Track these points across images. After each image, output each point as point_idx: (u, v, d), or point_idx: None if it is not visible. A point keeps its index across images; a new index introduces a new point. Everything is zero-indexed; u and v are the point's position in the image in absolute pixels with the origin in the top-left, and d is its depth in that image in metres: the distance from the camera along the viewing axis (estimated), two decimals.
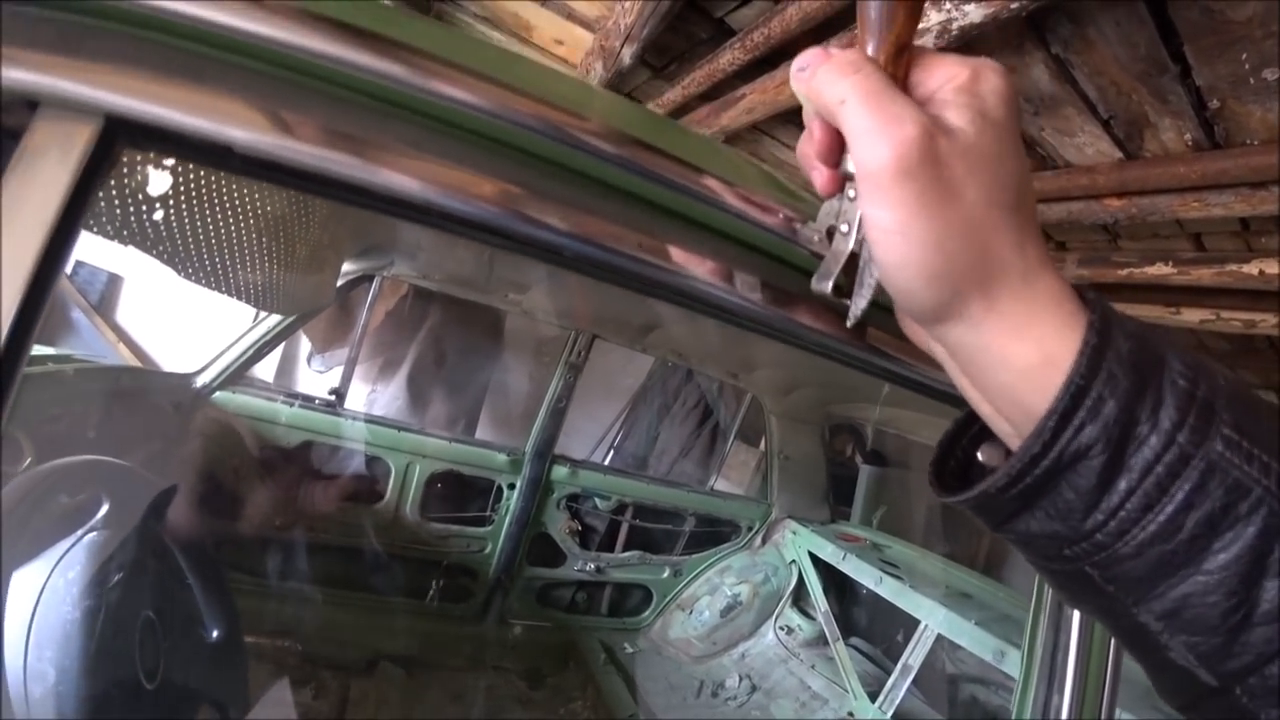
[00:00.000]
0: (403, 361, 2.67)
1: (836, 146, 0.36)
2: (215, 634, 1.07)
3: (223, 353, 1.89)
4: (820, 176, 0.37)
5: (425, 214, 0.36)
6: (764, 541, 2.61)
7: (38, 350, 1.58)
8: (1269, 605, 0.30)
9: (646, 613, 2.51)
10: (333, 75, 0.33)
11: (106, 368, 1.77)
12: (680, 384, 3.42)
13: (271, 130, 0.32)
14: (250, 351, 1.88)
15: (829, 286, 0.38)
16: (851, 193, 0.36)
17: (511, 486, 2.23)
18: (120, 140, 0.32)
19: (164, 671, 0.87)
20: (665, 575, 2.51)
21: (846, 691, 2.16)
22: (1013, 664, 1.88)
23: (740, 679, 2.32)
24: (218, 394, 1.88)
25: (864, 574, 2.30)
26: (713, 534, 2.59)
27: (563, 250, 0.39)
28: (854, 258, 0.37)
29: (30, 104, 0.30)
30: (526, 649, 2.27)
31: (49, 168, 0.30)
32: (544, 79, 0.38)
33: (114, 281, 3.46)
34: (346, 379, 2.07)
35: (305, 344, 2.72)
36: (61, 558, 0.86)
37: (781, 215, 0.42)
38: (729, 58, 1.93)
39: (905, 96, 0.33)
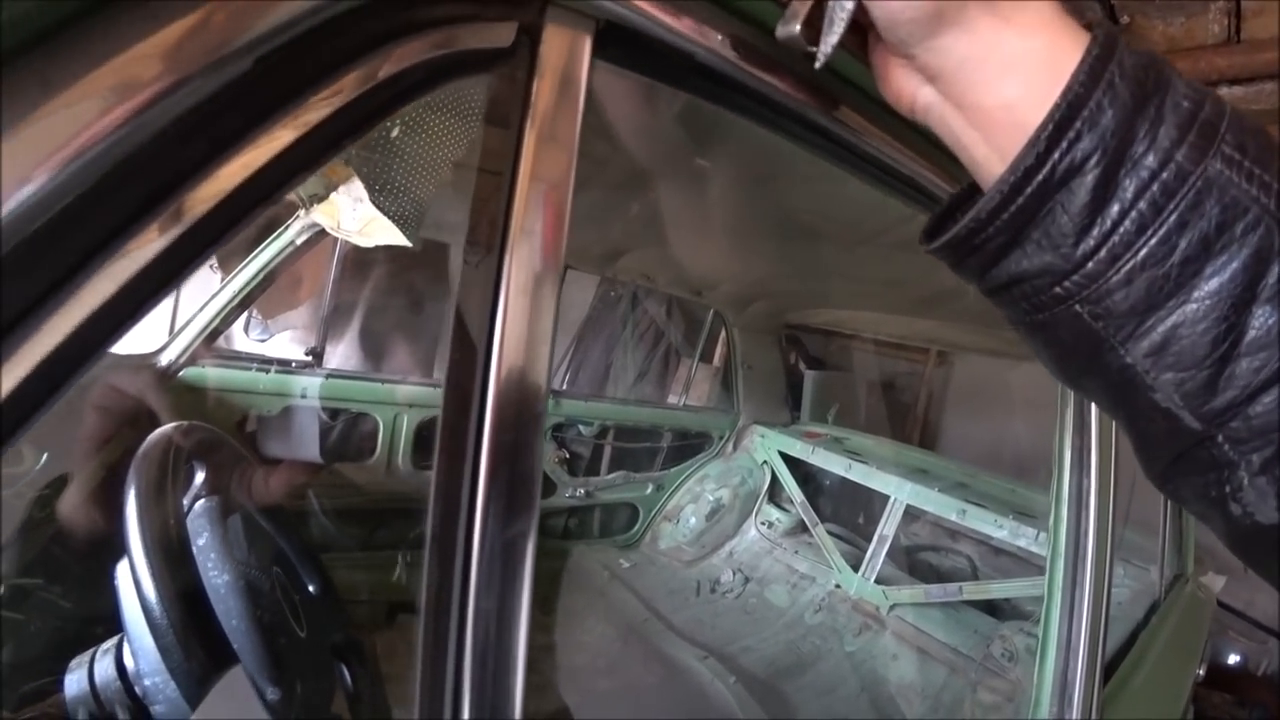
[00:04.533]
0: (353, 312, 2.58)
1: None
2: (312, 589, 1.07)
3: (184, 327, 1.77)
4: None
5: None
6: (735, 447, 2.78)
7: None
8: (1257, 333, 0.29)
9: (635, 529, 2.63)
10: None
11: None
12: (626, 312, 3.49)
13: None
14: (214, 323, 1.77)
15: (796, 27, 0.35)
16: None
17: None
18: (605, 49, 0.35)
19: (308, 621, 0.89)
20: (649, 491, 2.63)
21: (831, 568, 2.39)
22: (974, 519, 2.16)
23: (733, 573, 2.50)
24: (187, 371, 1.77)
25: (833, 463, 2.51)
26: (688, 447, 2.72)
27: None
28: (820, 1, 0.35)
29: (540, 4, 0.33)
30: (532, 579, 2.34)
31: (567, 71, 0.34)
32: None
33: None
34: (322, 337, 1.99)
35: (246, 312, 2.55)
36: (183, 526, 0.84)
37: None
38: None
39: None
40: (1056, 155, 0.30)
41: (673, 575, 2.51)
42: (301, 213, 1.76)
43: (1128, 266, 0.30)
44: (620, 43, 0.37)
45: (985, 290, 0.36)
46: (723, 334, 3.02)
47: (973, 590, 2.08)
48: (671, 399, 3.25)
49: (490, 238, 0.34)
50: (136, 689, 0.68)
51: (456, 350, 0.35)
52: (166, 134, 0.22)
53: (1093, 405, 0.98)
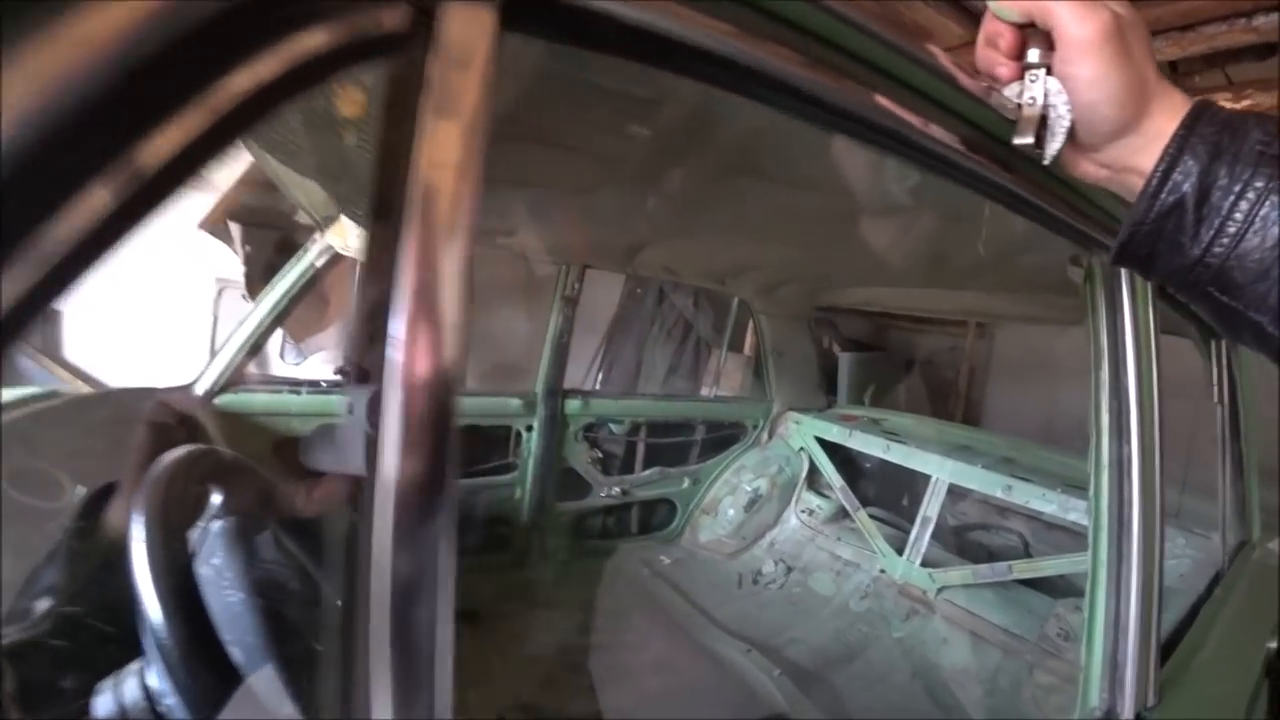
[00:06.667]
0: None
1: (1021, 46, 0.51)
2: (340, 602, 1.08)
3: (216, 356, 1.81)
4: (1006, 70, 0.52)
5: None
6: (770, 436, 2.74)
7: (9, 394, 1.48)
8: None
9: (674, 524, 2.62)
10: None
11: (103, 393, 1.68)
12: (653, 307, 3.47)
13: None
14: (245, 348, 1.81)
15: (1030, 138, 0.52)
16: (1033, 76, 0.50)
17: (529, 429, 2.26)
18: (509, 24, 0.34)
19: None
20: (685, 485, 2.61)
21: (874, 553, 2.34)
22: (1020, 494, 2.08)
23: (775, 564, 2.47)
24: (222, 397, 1.81)
25: (871, 445, 2.45)
26: (723, 438, 2.69)
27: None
28: (1043, 119, 0.51)
29: None
30: (573, 581, 2.35)
31: (467, 51, 0.33)
32: None
33: (51, 319, 3.20)
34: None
35: (278, 337, 2.61)
36: (199, 548, 0.85)
37: (984, 82, 0.54)
38: None
39: None
40: (1161, 197, 0.47)
41: (714, 569, 2.49)
42: (318, 235, 1.78)
43: (1234, 255, 0.45)
44: (531, 11, 0.36)
45: (1163, 286, 0.54)
46: (750, 321, 2.98)
47: (1023, 568, 2.00)
48: (703, 391, 3.22)
49: (387, 227, 0.33)
50: (159, 709, 0.69)
51: (361, 348, 0.34)
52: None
53: (1129, 369, 0.92)
